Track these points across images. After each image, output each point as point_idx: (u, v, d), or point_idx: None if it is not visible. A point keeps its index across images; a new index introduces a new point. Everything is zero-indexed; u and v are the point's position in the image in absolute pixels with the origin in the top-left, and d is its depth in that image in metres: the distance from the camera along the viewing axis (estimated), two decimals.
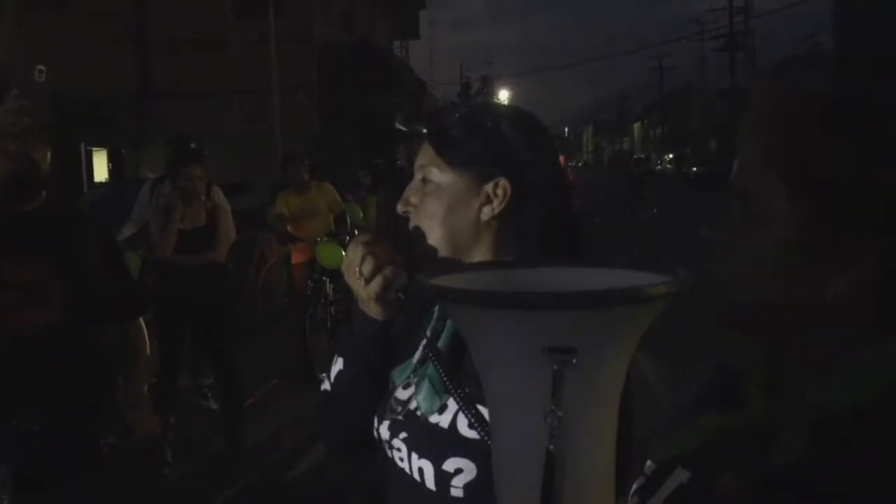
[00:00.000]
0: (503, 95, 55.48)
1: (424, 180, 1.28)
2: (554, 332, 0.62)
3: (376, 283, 1.21)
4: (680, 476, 0.83)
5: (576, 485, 0.64)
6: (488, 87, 49.93)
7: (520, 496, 0.65)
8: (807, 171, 0.74)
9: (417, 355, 1.27)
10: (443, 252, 1.25)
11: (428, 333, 1.27)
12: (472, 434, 1.16)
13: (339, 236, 6.82)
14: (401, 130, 30.73)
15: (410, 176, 1.34)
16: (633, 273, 0.71)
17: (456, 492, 1.16)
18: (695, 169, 39.84)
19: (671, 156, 55.55)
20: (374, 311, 1.26)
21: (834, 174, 0.73)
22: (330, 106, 21.55)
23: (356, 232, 7.20)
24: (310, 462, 4.96)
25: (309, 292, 6.69)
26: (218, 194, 5.55)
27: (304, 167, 6.98)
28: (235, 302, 5.89)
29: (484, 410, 1.14)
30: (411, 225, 1.28)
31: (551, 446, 0.62)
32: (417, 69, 38.92)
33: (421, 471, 1.20)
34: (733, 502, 0.75)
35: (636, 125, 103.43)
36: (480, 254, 1.25)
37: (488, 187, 1.24)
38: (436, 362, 1.22)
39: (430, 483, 1.19)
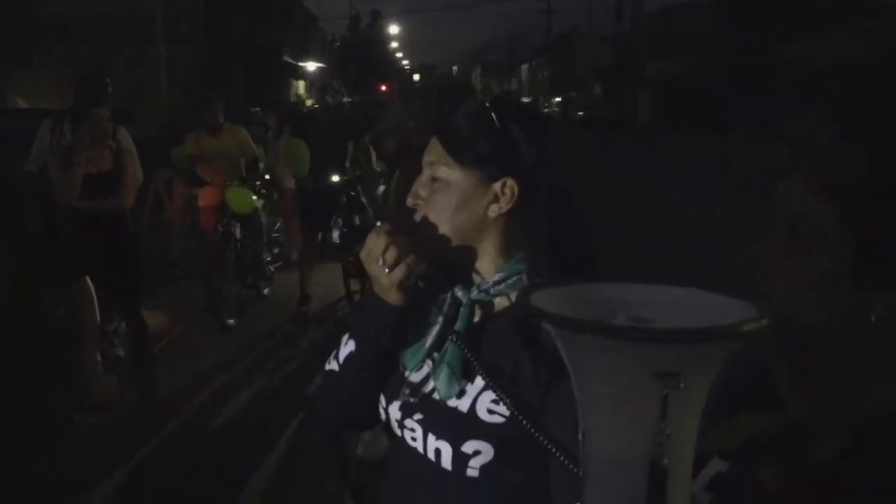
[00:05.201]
0: (392, 30, 54.60)
1: (433, 177, 1.31)
2: (662, 360, 0.71)
3: (400, 272, 1.25)
4: (718, 465, 0.94)
5: (676, 492, 0.74)
6: (377, 23, 49.02)
7: None
8: (857, 206, 0.85)
9: (430, 340, 1.32)
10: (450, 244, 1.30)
11: (440, 318, 1.33)
12: (490, 419, 1.24)
13: (249, 181, 6.72)
14: (288, 64, 29.92)
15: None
16: (713, 296, 0.79)
17: (472, 472, 1.24)
18: (581, 113, 41.27)
19: (558, 99, 56.38)
20: (393, 297, 1.29)
21: (883, 216, 0.84)
22: (216, 39, 20.81)
23: (267, 178, 7.08)
24: (227, 412, 4.95)
25: (218, 237, 6.58)
26: (124, 136, 5.38)
27: (219, 109, 6.80)
28: (140, 246, 5.74)
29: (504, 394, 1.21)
30: (418, 216, 1.32)
31: (665, 460, 0.72)
32: (307, 2, 37.84)
33: (438, 451, 1.26)
34: (773, 491, 0.87)
35: (524, 67, 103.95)
36: (488, 247, 1.31)
37: (496, 186, 1.28)
38: (462, 347, 1.27)
39: (447, 463, 1.26)
